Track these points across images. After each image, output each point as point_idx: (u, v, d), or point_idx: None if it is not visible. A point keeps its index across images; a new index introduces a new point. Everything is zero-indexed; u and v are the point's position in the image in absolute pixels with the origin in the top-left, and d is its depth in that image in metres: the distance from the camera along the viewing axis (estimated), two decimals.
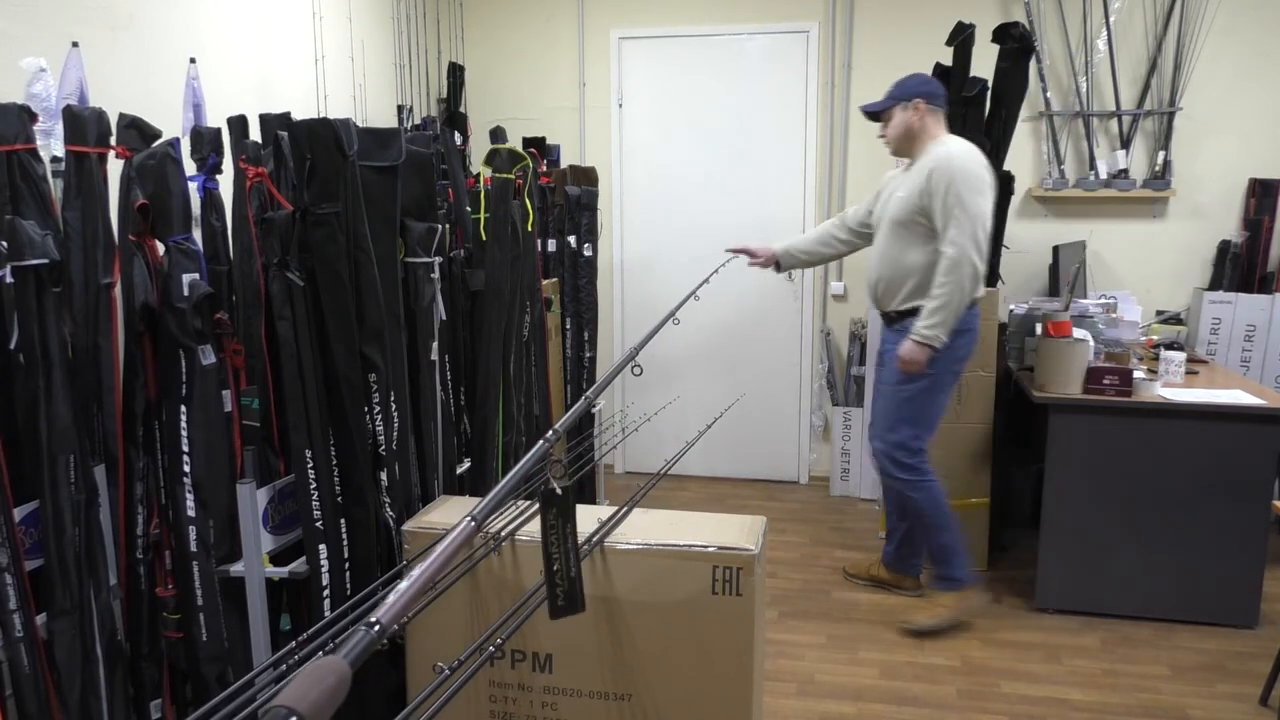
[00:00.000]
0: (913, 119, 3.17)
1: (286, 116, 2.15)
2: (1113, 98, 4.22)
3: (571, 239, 3.61)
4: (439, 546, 0.87)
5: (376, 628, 0.61)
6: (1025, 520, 3.89)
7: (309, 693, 0.55)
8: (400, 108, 4.18)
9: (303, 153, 1.90)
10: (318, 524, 1.96)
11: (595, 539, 1.79)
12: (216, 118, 2.40)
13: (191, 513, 1.90)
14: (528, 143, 3.81)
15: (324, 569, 1.97)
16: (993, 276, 3.58)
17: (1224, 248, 4.20)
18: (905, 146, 3.22)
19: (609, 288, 4.71)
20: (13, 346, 1.69)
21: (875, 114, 3.27)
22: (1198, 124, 4.20)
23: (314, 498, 1.96)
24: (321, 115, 3.16)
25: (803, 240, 3.57)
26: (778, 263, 3.58)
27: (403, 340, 2.14)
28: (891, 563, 3.52)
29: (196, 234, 2.01)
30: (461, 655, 1.32)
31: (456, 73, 4.59)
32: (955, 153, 3.07)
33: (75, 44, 2.15)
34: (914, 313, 3.12)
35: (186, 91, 2.53)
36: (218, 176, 2.10)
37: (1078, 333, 3.28)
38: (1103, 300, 3.77)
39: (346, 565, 2.00)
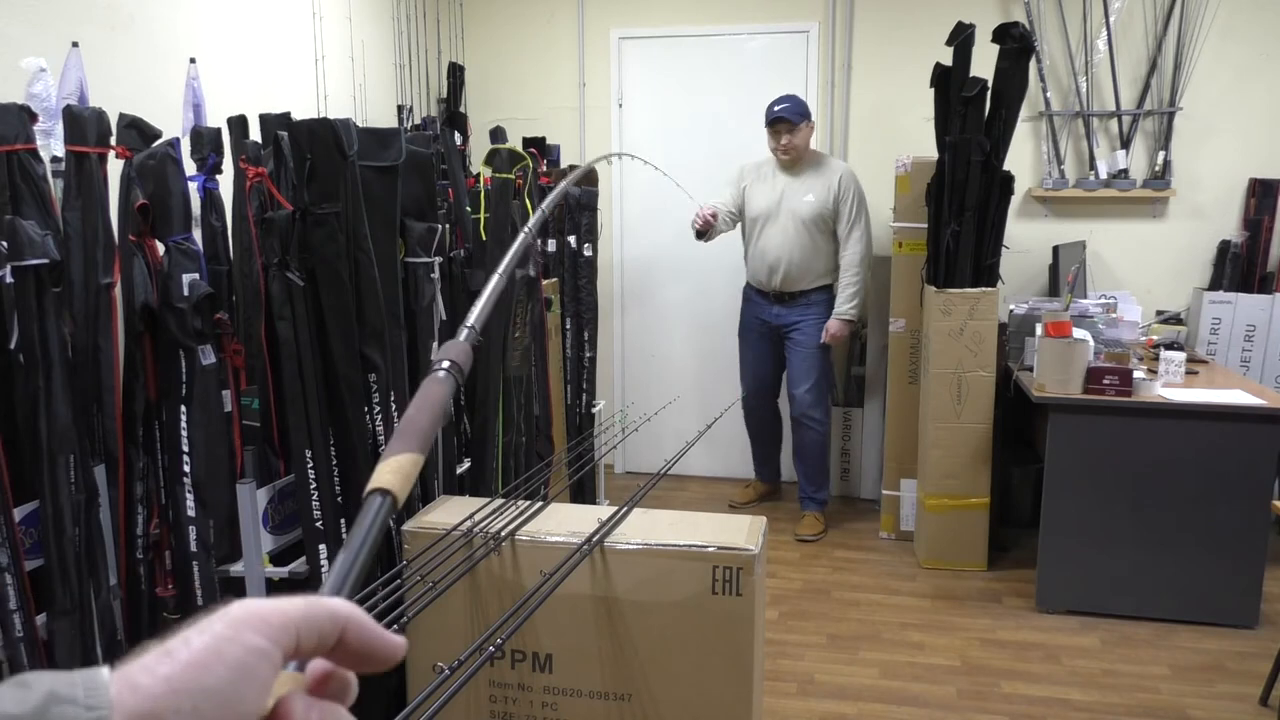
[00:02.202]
0: (810, 136, 4.00)
1: (286, 116, 2.15)
2: (1113, 98, 4.22)
3: (571, 239, 3.60)
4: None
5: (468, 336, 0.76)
6: (1025, 520, 3.89)
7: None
8: (400, 108, 4.18)
9: (303, 153, 1.90)
10: (318, 524, 1.96)
11: (595, 539, 1.79)
12: (216, 118, 2.40)
13: (191, 513, 1.90)
14: (528, 143, 3.81)
15: (324, 569, 1.97)
16: (993, 276, 3.59)
17: (1224, 248, 4.20)
18: (803, 156, 3.94)
19: (609, 288, 4.71)
20: (13, 346, 1.69)
21: (784, 119, 3.85)
22: (1198, 124, 4.19)
23: (314, 498, 1.96)
24: (321, 115, 3.16)
25: (722, 214, 4.09)
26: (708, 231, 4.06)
27: (403, 340, 2.15)
28: (768, 479, 4.46)
29: (196, 234, 2.01)
30: (461, 655, 1.32)
31: (456, 73, 4.59)
32: (849, 168, 3.98)
33: (75, 44, 2.15)
34: (817, 290, 3.97)
35: (186, 91, 2.53)
36: (218, 176, 2.10)
37: (1078, 333, 3.28)
38: (1103, 300, 3.76)
39: None
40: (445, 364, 0.68)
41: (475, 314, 0.78)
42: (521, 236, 1.05)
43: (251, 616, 0.38)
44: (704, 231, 4.02)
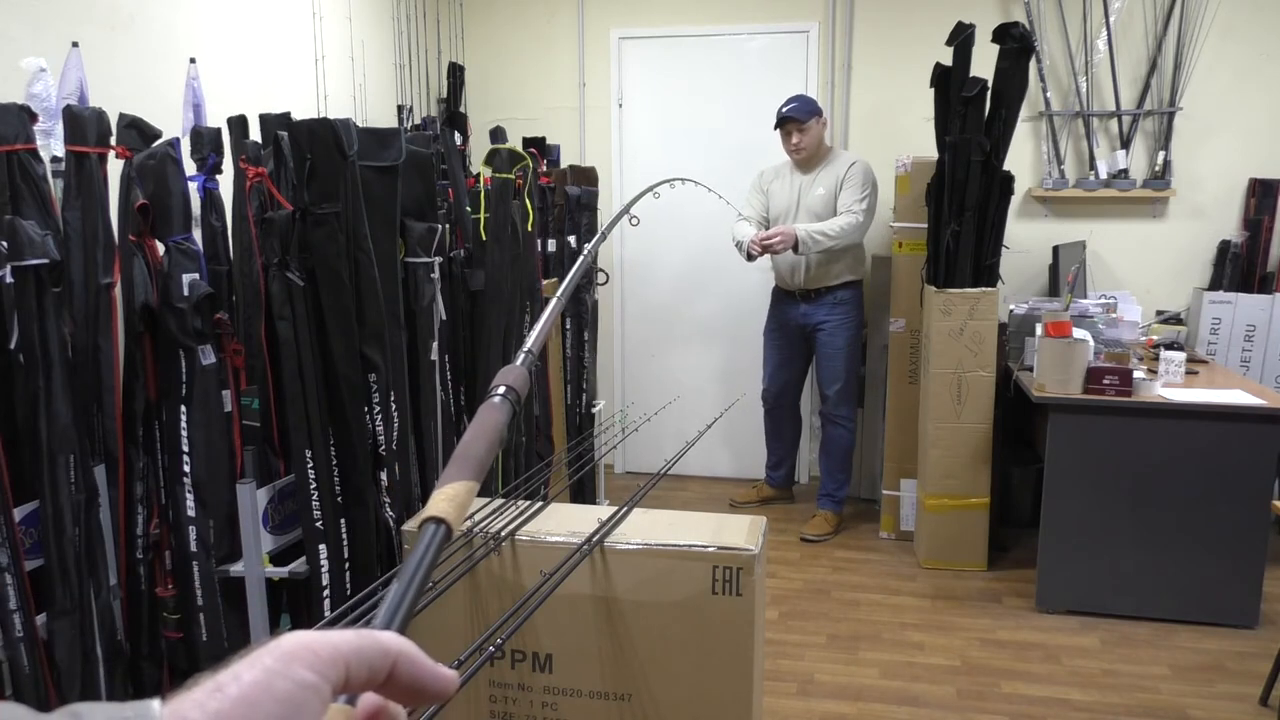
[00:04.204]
0: (823, 132, 3.98)
1: (286, 116, 2.15)
2: (1113, 98, 4.22)
3: (571, 239, 3.60)
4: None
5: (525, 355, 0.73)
6: (1025, 520, 3.89)
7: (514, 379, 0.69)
8: (400, 108, 4.18)
9: (303, 153, 1.90)
10: (318, 524, 1.96)
11: (595, 539, 1.79)
12: (216, 118, 2.40)
13: (191, 513, 1.90)
14: (528, 143, 3.81)
15: (324, 569, 1.97)
16: (993, 276, 3.59)
17: (1224, 248, 4.20)
18: (818, 153, 3.95)
19: (609, 288, 4.70)
20: (13, 346, 1.69)
21: (792, 118, 3.85)
22: (1198, 124, 4.19)
23: (314, 498, 1.96)
24: (321, 115, 3.16)
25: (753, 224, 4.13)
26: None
27: (403, 340, 2.15)
28: (778, 484, 4.41)
29: (196, 234, 2.01)
30: (461, 655, 1.32)
31: (456, 73, 4.59)
32: (864, 160, 3.93)
33: (75, 44, 2.15)
34: (843, 287, 3.96)
35: (186, 91, 2.53)
36: (218, 176, 2.10)
37: (1078, 333, 3.28)
38: (1103, 300, 3.76)
39: (346, 565, 2.00)
40: (501, 389, 0.67)
41: (533, 339, 0.77)
42: (581, 259, 1.05)
43: (302, 650, 0.38)
44: (754, 256, 4.01)
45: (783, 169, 4.09)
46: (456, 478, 0.56)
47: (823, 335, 4.03)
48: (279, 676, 0.37)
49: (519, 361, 0.72)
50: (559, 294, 0.91)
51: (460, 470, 0.57)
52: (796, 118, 3.86)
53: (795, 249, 3.77)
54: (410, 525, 1.97)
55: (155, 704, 0.35)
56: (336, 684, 0.38)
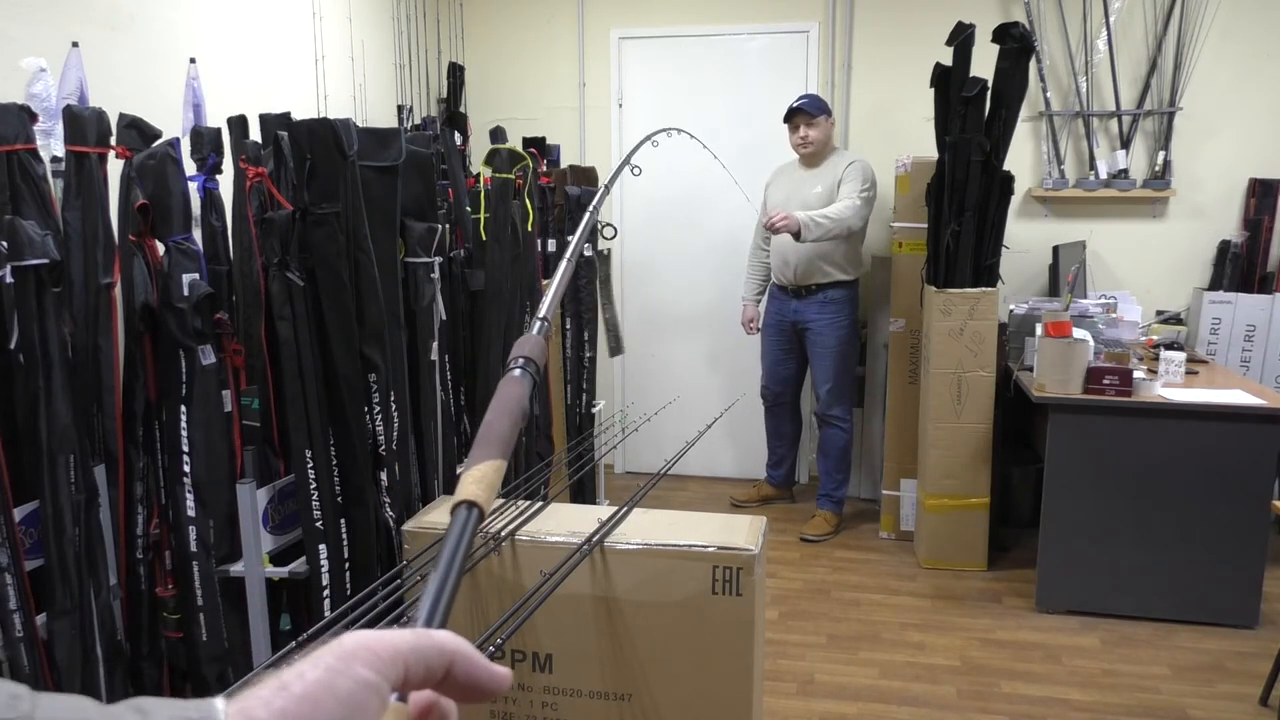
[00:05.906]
0: (831, 132, 4.01)
1: (286, 116, 2.15)
2: (1113, 98, 4.22)
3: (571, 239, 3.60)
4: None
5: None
6: (1025, 520, 3.89)
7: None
8: (400, 108, 4.18)
9: (303, 153, 1.90)
10: (318, 524, 1.96)
11: (595, 539, 1.79)
12: (216, 118, 2.40)
13: (191, 513, 1.90)
14: (528, 143, 3.81)
15: (324, 569, 1.97)
16: (993, 276, 3.59)
17: (1224, 248, 4.20)
18: (823, 152, 3.97)
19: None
20: (13, 346, 1.69)
21: (802, 110, 3.89)
22: (1198, 124, 4.19)
23: (314, 498, 1.96)
24: (321, 115, 3.16)
25: (756, 283, 4.28)
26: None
27: (403, 340, 2.15)
28: (778, 483, 4.41)
29: (196, 234, 2.01)
30: None
31: (456, 73, 4.59)
32: (866, 160, 3.93)
33: (75, 44, 2.15)
34: (834, 286, 3.94)
35: (186, 91, 2.53)
36: (218, 176, 2.10)
37: (1078, 333, 3.28)
38: (1103, 300, 3.76)
39: (346, 565, 2.00)
40: (520, 361, 0.66)
41: (546, 305, 0.76)
42: (586, 217, 1.04)
43: (362, 649, 0.39)
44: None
45: (787, 167, 4.11)
46: (483, 458, 0.55)
47: (812, 334, 4.02)
48: (341, 675, 0.38)
49: (535, 330, 0.71)
50: (569, 254, 0.90)
51: (486, 450, 0.56)
52: (807, 110, 3.88)
53: (797, 236, 3.70)
54: (410, 525, 1.97)
55: (219, 702, 0.36)
56: (395, 683, 0.39)
